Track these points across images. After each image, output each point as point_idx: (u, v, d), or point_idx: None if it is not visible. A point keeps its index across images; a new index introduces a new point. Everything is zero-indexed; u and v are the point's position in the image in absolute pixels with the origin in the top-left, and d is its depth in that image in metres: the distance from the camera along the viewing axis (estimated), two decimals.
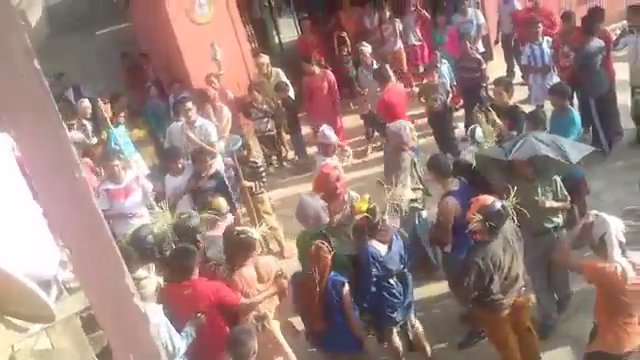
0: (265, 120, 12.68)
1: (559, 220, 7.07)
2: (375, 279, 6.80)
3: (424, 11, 15.09)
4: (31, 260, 2.47)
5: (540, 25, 11.80)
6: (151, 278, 6.77)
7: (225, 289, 6.47)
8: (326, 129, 9.51)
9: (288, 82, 12.78)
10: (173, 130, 11.28)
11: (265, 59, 13.10)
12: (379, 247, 6.83)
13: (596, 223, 5.63)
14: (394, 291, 6.98)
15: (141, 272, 6.77)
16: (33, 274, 2.60)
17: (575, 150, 6.93)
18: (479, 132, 8.31)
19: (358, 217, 6.85)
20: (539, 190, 6.91)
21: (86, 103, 12.55)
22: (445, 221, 7.35)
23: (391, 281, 6.95)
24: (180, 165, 9.85)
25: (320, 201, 7.50)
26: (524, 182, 6.90)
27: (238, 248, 6.77)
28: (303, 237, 7.34)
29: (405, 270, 7.12)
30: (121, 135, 11.35)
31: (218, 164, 10.38)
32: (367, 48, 13.08)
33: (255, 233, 6.83)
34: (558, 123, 8.92)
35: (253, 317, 6.45)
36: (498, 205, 6.12)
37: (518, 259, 6.34)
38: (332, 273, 6.51)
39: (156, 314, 6.07)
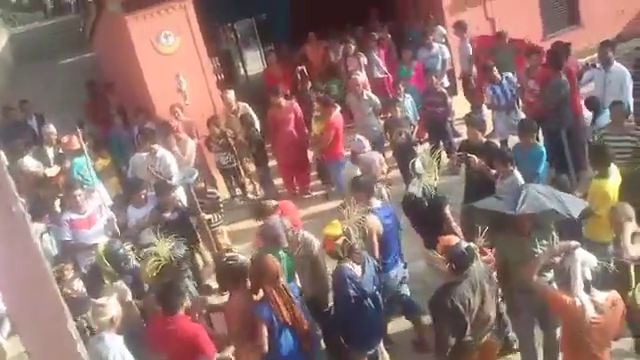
0: (224, 153, 12.51)
1: (550, 275, 6.56)
2: (352, 301, 6.70)
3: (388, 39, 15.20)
4: None
5: (494, 69, 11.88)
6: (111, 305, 6.59)
7: (203, 337, 6.28)
8: (361, 138, 9.75)
9: (254, 115, 12.67)
10: (136, 161, 11.15)
11: (231, 94, 12.96)
12: (355, 268, 6.77)
13: (565, 257, 5.63)
14: (370, 314, 6.89)
15: (99, 300, 6.63)
16: None
17: (573, 203, 6.77)
18: (419, 164, 8.26)
19: (338, 242, 6.73)
20: (536, 244, 6.35)
21: (51, 129, 12.38)
22: (370, 237, 7.40)
23: (366, 303, 6.85)
24: (143, 196, 9.72)
25: (286, 223, 7.50)
26: (517, 236, 6.61)
27: (227, 275, 6.71)
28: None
29: (378, 294, 7.02)
30: (85, 164, 11.17)
31: (180, 196, 10.25)
32: (360, 77, 13.06)
33: (246, 260, 6.77)
34: (526, 157, 8.94)
35: None
36: (463, 246, 5.97)
37: (488, 300, 6.19)
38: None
39: (114, 343, 5.98)
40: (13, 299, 1.64)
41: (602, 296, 5.51)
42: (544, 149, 9.21)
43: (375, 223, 7.60)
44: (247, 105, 13.01)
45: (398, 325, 8.32)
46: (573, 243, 5.70)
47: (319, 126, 12.01)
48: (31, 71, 20.20)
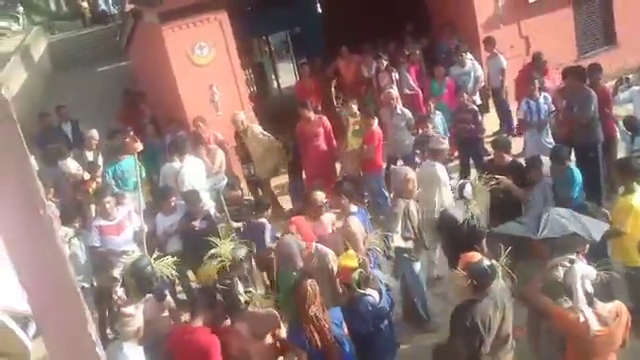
0: (249, 165, 12.61)
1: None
2: (372, 327, 6.74)
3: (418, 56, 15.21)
4: (11, 296, 2.40)
5: (537, 81, 11.84)
6: (135, 317, 6.65)
7: (215, 351, 6.22)
8: (439, 135, 9.78)
9: (266, 136, 12.55)
10: (167, 170, 11.25)
11: (240, 115, 12.83)
12: (374, 295, 6.78)
13: (567, 272, 5.70)
14: (387, 336, 6.94)
15: (127, 309, 6.68)
16: (12, 309, 2.54)
17: (595, 226, 6.67)
18: (468, 189, 8.21)
19: (354, 274, 6.71)
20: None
21: (93, 134, 12.62)
22: (356, 241, 7.53)
23: (382, 326, 6.88)
24: (172, 204, 9.81)
25: (300, 244, 7.44)
26: (537, 260, 6.51)
27: (228, 307, 6.61)
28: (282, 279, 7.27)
29: (391, 314, 7.10)
30: (131, 167, 11.42)
31: (209, 205, 10.35)
32: (394, 91, 13.09)
33: (242, 294, 6.66)
34: (560, 181, 8.97)
35: None
36: (485, 264, 5.95)
37: (508, 319, 6.17)
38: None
39: (133, 353, 6.01)
40: (37, 300, 1.70)
41: (606, 308, 5.57)
42: (578, 172, 9.13)
43: (359, 226, 7.79)
44: (257, 127, 12.87)
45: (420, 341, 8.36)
46: (567, 258, 5.80)
47: (357, 140, 12.08)
48: (68, 78, 20.53)
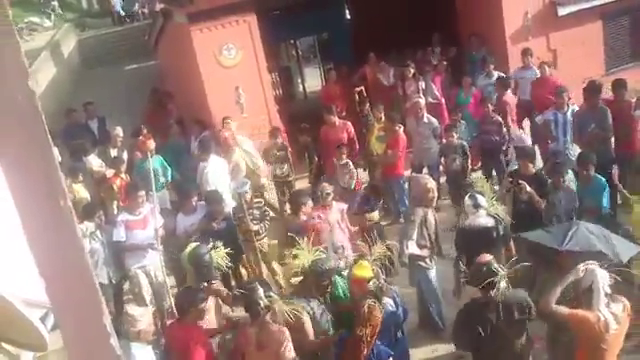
0: (281, 165, 12.66)
1: None
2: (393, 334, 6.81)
3: (444, 65, 15.17)
4: (31, 286, 2.43)
5: (566, 94, 11.77)
6: (140, 319, 6.70)
7: (196, 345, 6.34)
8: (522, 133, 9.82)
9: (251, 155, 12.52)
10: (199, 170, 11.32)
11: (233, 125, 12.68)
12: (391, 303, 6.81)
13: (585, 274, 5.79)
14: (403, 345, 7.05)
15: (136, 309, 6.75)
16: (31, 300, 2.57)
17: (624, 247, 6.74)
18: (480, 198, 8.19)
19: (370, 284, 6.72)
20: None
21: (118, 131, 12.76)
22: None
23: (399, 334, 6.97)
24: (194, 204, 9.86)
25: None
26: (557, 272, 6.48)
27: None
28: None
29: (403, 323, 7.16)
30: (159, 165, 11.74)
31: (229, 206, 10.40)
32: (422, 100, 13.10)
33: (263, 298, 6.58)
34: (587, 190, 8.98)
35: None
36: (490, 265, 6.20)
37: (515, 329, 6.30)
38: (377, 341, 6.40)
39: (142, 353, 6.07)
40: (55, 290, 1.72)
41: (618, 307, 5.81)
42: (602, 179, 9.11)
43: None
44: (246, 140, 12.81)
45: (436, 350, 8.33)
46: (581, 267, 5.85)
47: (381, 146, 12.14)
48: (96, 75, 20.75)
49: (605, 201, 8.94)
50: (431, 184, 8.73)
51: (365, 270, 6.78)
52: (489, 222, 7.96)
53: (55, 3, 26.67)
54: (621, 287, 6.01)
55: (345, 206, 9.55)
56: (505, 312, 6.13)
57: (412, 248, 8.22)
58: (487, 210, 8.06)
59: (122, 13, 27.31)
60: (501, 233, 7.97)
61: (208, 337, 6.68)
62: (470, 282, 6.48)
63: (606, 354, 5.84)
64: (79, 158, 12.03)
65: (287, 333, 6.25)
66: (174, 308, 6.96)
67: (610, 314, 5.72)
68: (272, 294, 6.79)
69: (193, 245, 7.88)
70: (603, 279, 5.75)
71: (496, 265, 6.24)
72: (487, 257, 6.40)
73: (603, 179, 9.21)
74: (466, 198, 8.30)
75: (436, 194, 8.93)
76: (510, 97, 13.25)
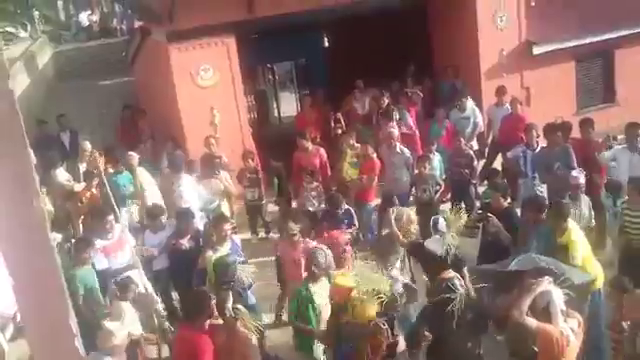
0: (252, 189, 12.68)
1: None
2: None
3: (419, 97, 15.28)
4: None
5: (535, 131, 11.93)
6: (113, 334, 6.66)
7: (206, 354, 6.41)
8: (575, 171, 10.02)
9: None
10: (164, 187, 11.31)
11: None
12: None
13: (541, 294, 6.09)
14: None
15: (108, 325, 6.72)
16: None
17: (575, 272, 7.01)
18: (442, 223, 8.30)
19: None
20: None
21: (87, 146, 12.68)
22: None
23: None
24: (163, 221, 9.82)
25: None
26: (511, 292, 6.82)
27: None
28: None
29: None
30: (126, 183, 11.65)
31: (198, 224, 10.39)
32: (395, 130, 13.15)
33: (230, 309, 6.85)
34: (535, 235, 8.92)
35: None
36: (449, 281, 6.58)
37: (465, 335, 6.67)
38: None
39: None
40: (23, 287, 1.71)
41: (573, 322, 6.16)
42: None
43: None
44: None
45: None
46: (535, 283, 6.15)
47: (355, 171, 12.25)
48: (70, 89, 20.60)
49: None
50: (413, 216, 8.84)
51: (345, 279, 6.84)
52: (438, 250, 8.02)
53: (36, 13, 26.50)
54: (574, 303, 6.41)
55: (313, 243, 9.42)
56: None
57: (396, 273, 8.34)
58: (443, 237, 8.13)
59: (84, 24, 27.20)
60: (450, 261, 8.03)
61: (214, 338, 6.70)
62: (429, 295, 6.78)
63: None
64: (47, 170, 11.92)
65: (254, 340, 6.39)
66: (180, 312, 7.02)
67: (568, 329, 6.03)
68: (239, 307, 6.90)
69: (220, 255, 8.33)
70: (558, 297, 6.08)
71: (457, 282, 6.52)
72: (450, 274, 6.71)
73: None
74: (432, 218, 8.42)
75: (415, 226, 9.00)
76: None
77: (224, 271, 7.79)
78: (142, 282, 8.83)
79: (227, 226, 9.18)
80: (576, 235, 8.16)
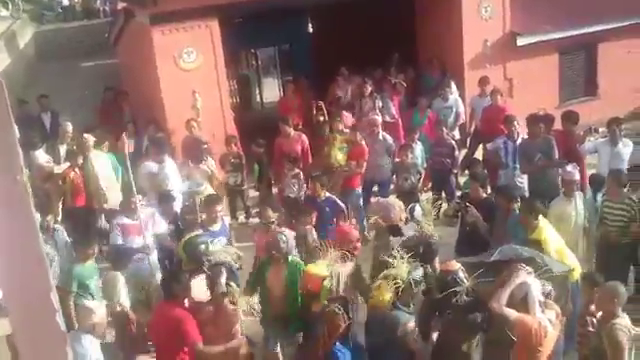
0: (235, 174, 12.68)
1: None
2: None
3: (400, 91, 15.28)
4: None
5: (517, 122, 11.99)
6: (93, 312, 6.67)
7: (191, 323, 6.57)
8: (570, 167, 9.79)
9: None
10: (143, 170, 11.23)
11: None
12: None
13: (520, 285, 6.30)
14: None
15: (88, 304, 6.73)
16: None
17: (554, 263, 7.19)
18: (418, 210, 8.38)
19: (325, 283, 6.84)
20: None
21: (68, 127, 12.55)
22: None
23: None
24: (132, 205, 9.76)
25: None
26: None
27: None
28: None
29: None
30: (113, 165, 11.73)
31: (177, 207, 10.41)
32: (378, 117, 13.25)
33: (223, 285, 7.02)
34: (507, 223, 9.04)
35: None
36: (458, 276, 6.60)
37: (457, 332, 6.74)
38: (338, 344, 6.50)
39: (92, 347, 6.09)
40: (3, 263, 1.70)
41: (551, 313, 6.38)
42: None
43: None
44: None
45: None
46: (514, 275, 6.37)
47: (343, 157, 12.24)
48: (52, 69, 20.40)
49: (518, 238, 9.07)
50: (401, 204, 8.84)
51: (319, 268, 6.89)
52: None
53: None
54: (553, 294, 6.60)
55: (292, 234, 9.45)
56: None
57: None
58: (419, 225, 8.20)
59: (65, 4, 26.93)
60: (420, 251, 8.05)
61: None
62: (436, 288, 6.79)
63: (541, 356, 6.32)
64: (26, 151, 11.81)
65: (240, 315, 6.70)
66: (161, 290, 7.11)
67: (546, 320, 6.20)
68: (232, 284, 6.99)
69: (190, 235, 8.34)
70: (536, 288, 6.27)
71: (462, 275, 6.59)
72: (455, 265, 6.79)
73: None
74: (409, 206, 8.47)
75: (404, 215, 9.00)
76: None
77: (192, 251, 7.87)
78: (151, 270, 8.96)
79: (219, 207, 9.31)
80: (547, 233, 8.21)
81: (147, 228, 9.24)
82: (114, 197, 11.20)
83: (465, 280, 6.54)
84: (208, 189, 11.33)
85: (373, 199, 10.02)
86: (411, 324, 6.70)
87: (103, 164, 11.58)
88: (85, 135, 11.45)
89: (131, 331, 8.43)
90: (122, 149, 9.60)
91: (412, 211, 8.41)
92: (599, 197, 9.85)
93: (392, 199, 9.54)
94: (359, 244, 8.43)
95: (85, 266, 8.28)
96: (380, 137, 12.65)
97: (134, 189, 9.12)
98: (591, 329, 6.99)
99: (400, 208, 8.92)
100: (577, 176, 9.75)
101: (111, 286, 8.46)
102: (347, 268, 7.44)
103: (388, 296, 6.79)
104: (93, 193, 11.42)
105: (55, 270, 8.78)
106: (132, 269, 8.89)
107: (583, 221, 9.40)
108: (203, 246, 7.93)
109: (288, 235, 8.10)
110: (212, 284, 7.04)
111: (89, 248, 8.42)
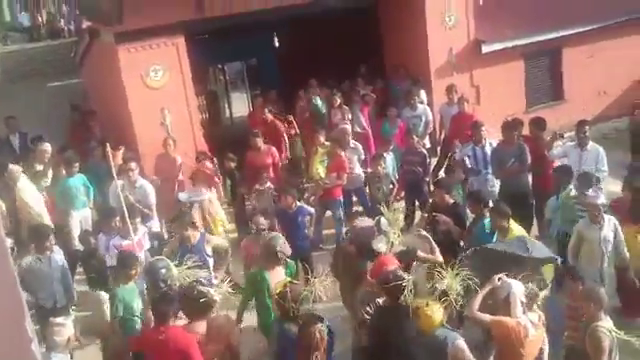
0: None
1: None
2: None
3: (369, 102, 15.31)
4: None
5: (484, 128, 12.09)
6: (66, 326, 6.60)
7: (196, 348, 6.48)
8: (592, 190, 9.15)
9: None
10: (112, 189, 11.17)
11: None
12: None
13: (501, 286, 6.44)
14: None
15: (58, 319, 6.67)
16: None
17: (542, 249, 7.79)
18: (384, 222, 8.41)
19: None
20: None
21: (46, 147, 12.34)
22: None
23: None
24: (114, 224, 9.72)
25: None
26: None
27: (195, 309, 6.86)
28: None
29: None
30: (81, 183, 11.80)
31: (156, 226, 10.39)
32: (348, 126, 13.67)
33: (215, 295, 6.97)
34: (477, 228, 9.26)
35: None
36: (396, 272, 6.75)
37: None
38: None
39: None
40: None
41: (533, 316, 6.45)
42: (487, 222, 9.17)
43: None
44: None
45: None
46: (496, 277, 6.55)
47: (323, 168, 12.40)
48: (18, 90, 20.21)
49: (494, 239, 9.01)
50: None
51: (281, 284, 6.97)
52: (382, 249, 8.06)
53: None
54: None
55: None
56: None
57: None
58: (387, 235, 8.22)
59: (25, 25, 26.76)
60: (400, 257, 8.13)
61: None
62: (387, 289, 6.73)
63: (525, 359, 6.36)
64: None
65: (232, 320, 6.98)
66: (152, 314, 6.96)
67: (527, 321, 6.30)
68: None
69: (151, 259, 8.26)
70: (518, 289, 6.35)
71: (400, 272, 6.74)
72: (392, 265, 7.19)
73: (487, 221, 9.21)
74: (375, 219, 8.50)
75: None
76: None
77: (153, 277, 7.72)
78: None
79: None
80: (519, 233, 8.44)
81: (142, 247, 9.28)
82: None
83: (406, 275, 6.70)
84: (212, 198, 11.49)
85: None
86: (460, 342, 6.36)
87: (31, 192, 11.28)
88: (11, 166, 11.17)
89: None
90: (109, 163, 9.54)
91: (378, 223, 8.43)
92: (565, 191, 9.98)
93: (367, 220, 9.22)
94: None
95: (127, 288, 8.07)
96: (352, 145, 12.78)
97: (125, 208, 9.05)
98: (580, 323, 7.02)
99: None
100: (601, 199, 8.94)
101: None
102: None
103: (440, 316, 6.46)
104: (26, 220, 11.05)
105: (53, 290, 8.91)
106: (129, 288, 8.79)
107: (610, 249, 8.85)
108: (164, 270, 7.72)
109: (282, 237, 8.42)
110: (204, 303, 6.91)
111: (131, 269, 8.18)
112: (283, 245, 8.14)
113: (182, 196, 11.41)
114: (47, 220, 10.69)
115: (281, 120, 14.92)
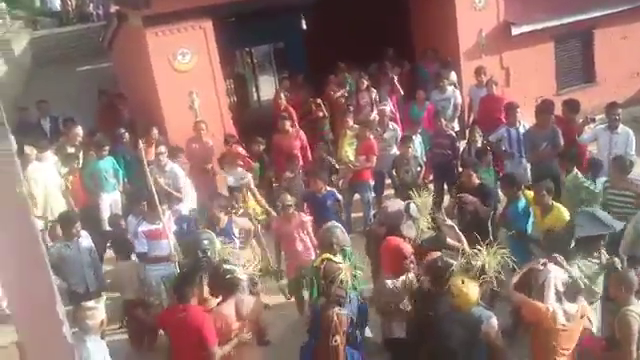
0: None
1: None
2: None
3: (397, 85, 15.20)
4: None
5: (518, 111, 11.97)
6: (98, 310, 6.65)
7: (210, 327, 6.55)
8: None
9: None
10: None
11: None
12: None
13: (541, 270, 6.38)
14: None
15: (90, 303, 6.72)
16: None
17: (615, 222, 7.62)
18: (413, 208, 8.32)
19: None
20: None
21: (78, 130, 12.49)
22: None
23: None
24: (143, 207, 9.78)
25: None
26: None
27: (222, 287, 6.93)
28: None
29: None
30: (110, 166, 11.92)
31: (185, 209, 10.44)
32: (387, 107, 13.51)
33: (242, 274, 7.00)
34: (511, 211, 9.14)
35: None
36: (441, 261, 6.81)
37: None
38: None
39: (97, 348, 6.10)
40: (9, 277, 1.68)
41: (573, 307, 6.28)
42: (523, 202, 9.14)
43: None
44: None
45: None
46: (542, 261, 6.54)
47: (353, 151, 12.44)
48: (48, 75, 20.42)
49: (528, 223, 9.08)
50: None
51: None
52: (410, 233, 8.02)
53: (2, 5, 26.06)
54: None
55: (309, 218, 9.61)
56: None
57: None
58: (417, 221, 8.17)
59: (55, 9, 26.97)
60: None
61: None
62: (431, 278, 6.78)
63: (556, 349, 6.27)
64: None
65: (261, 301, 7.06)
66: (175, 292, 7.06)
67: (560, 310, 6.16)
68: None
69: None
70: (557, 277, 6.28)
71: (447, 259, 6.78)
72: (435, 253, 7.15)
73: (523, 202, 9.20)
74: (404, 204, 8.44)
75: None
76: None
77: (193, 244, 8.12)
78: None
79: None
80: (565, 214, 8.41)
81: (170, 231, 9.31)
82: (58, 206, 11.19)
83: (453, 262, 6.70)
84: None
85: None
86: (494, 320, 6.30)
87: (46, 174, 11.49)
88: (26, 148, 11.28)
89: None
90: (141, 157, 9.57)
91: (408, 209, 8.36)
92: (599, 183, 9.83)
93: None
94: (412, 257, 7.78)
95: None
96: (391, 127, 13.00)
97: (155, 194, 9.00)
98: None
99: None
100: None
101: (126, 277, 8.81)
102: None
103: (476, 294, 6.39)
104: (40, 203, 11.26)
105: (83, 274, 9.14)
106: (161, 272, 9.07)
107: None
108: (206, 242, 7.96)
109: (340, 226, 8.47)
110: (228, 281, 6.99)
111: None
112: (340, 234, 8.11)
113: (230, 180, 11.47)
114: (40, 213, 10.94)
115: (311, 103, 14.91)
